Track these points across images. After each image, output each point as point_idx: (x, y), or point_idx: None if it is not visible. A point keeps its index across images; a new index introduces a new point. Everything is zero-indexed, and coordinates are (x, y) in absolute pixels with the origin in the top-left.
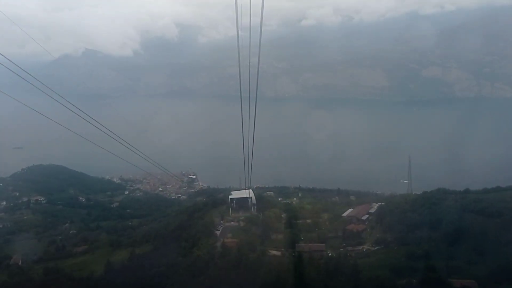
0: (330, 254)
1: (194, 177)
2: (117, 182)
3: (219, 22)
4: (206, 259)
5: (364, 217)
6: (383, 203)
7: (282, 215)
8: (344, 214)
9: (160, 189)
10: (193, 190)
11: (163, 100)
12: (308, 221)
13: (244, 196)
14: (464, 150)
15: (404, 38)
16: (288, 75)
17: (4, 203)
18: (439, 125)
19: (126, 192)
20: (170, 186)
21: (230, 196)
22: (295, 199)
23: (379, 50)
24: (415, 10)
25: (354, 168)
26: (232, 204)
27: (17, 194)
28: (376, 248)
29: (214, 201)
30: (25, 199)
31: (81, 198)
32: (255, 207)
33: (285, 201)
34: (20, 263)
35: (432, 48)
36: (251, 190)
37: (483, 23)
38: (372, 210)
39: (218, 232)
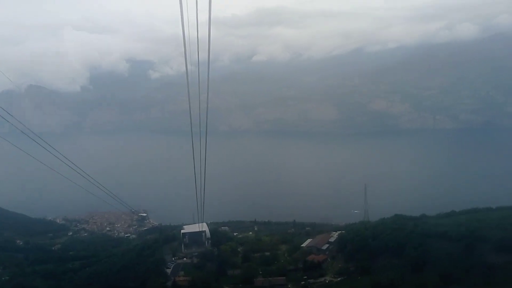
0: None
1: (144, 215)
2: (60, 222)
3: (172, 57)
4: None
5: (325, 247)
6: (343, 232)
7: (239, 249)
8: (304, 245)
9: (107, 228)
10: (143, 229)
11: (112, 136)
12: (267, 253)
13: (197, 230)
14: (413, 178)
15: (351, 73)
16: (241, 110)
17: None
18: (387, 156)
19: (70, 233)
20: (118, 225)
21: (182, 231)
22: (250, 232)
23: (327, 85)
24: (360, 47)
25: (308, 200)
26: (185, 240)
27: None
28: (339, 279)
29: (165, 237)
30: None
31: (18, 241)
32: (210, 241)
33: (241, 235)
34: None
35: (377, 83)
36: (204, 223)
37: (423, 59)
38: (332, 239)
39: (169, 270)
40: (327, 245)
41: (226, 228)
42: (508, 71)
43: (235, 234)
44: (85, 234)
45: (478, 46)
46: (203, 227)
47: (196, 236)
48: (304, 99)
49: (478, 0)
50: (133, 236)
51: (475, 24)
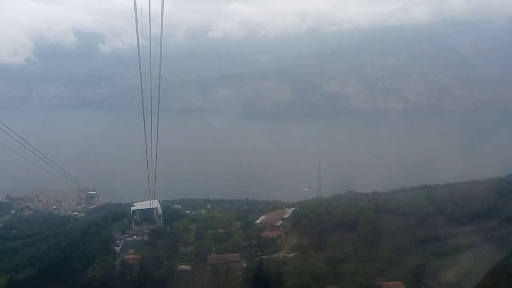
0: (245, 264)
1: (93, 192)
2: (2, 201)
3: (123, 31)
4: (102, 280)
5: (279, 223)
6: (297, 208)
7: (192, 226)
8: (258, 221)
9: (54, 207)
10: (92, 207)
11: (60, 112)
12: (220, 230)
13: (149, 207)
14: (364, 157)
15: (306, 53)
16: (195, 87)
17: None
18: (339, 136)
19: (13, 212)
20: (65, 203)
21: (133, 208)
22: (203, 210)
23: (283, 64)
24: (316, 27)
25: (261, 178)
26: (135, 217)
27: None
28: (293, 254)
29: (114, 215)
30: None
31: None
32: (161, 219)
33: (193, 213)
34: None
35: (332, 63)
36: (156, 200)
37: (377, 41)
38: (286, 216)
39: (118, 249)
40: (281, 221)
41: (179, 206)
42: (456, 54)
43: (187, 212)
44: (30, 212)
45: (429, 29)
46: (155, 204)
47: (147, 213)
48: (260, 78)
49: None
50: (81, 214)
51: (428, 7)
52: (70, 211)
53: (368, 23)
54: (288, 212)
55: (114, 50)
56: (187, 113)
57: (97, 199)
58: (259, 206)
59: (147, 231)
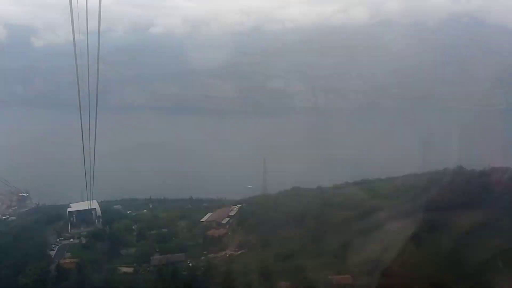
0: (191, 264)
1: (26, 194)
2: None
3: (59, 24)
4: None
5: (225, 221)
6: (243, 205)
7: (133, 227)
8: (203, 220)
9: None
10: (24, 210)
11: None
12: (164, 230)
13: (87, 208)
14: (308, 152)
15: (250, 51)
16: (136, 84)
17: None
18: (279, 132)
19: None
20: None
21: (69, 209)
22: (145, 210)
23: (227, 61)
24: (259, 26)
25: (205, 176)
26: (72, 219)
27: None
28: (240, 252)
29: (49, 217)
30: None
31: None
32: (101, 220)
33: (135, 213)
34: None
35: (276, 61)
36: (95, 201)
37: (318, 40)
38: (232, 213)
39: (53, 253)
40: (228, 219)
41: (119, 206)
42: (393, 55)
43: (128, 212)
44: None
45: (368, 30)
46: (93, 204)
47: (84, 214)
48: (204, 75)
49: None
50: (12, 217)
51: (367, 8)
52: (0, 215)
53: (310, 23)
54: (234, 209)
55: (48, 44)
56: (128, 111)
57: (30, 201)
58: (204, 204)
59: (85, 233)
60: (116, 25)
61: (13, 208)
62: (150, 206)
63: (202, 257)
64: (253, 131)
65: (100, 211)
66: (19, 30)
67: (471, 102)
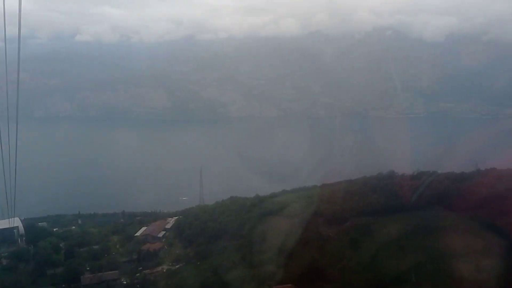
0: (125, 282)
1: None
2: None
3: None
4: None
5: (161, 234)
6: (180, 217)
7: (61, 245)
8: (138, 234)
9: None
10: None
11: None
12: (95, 247)
13: (7, 226)
14: (243, 162)
15: (183, 60)
16: (62, 93)
17: None
18: (214, 141)
19: None
20: None
21: None
22: (74, 227)
23: (159, 70)
24: (192, 35)
25: (137, 189)
26: None
27: None
28: (177, 266)
29: None
30: None
31: None
32: (24, 239)
33: (62, 230)
34: None
35: (209, 70)
36: (17, 218)
37: (251, 50)
38: (168, 226)
39: None
40: (164, 232)
41: (44, 223)
42: (323, 65)
43: (55, 229)
44: None
45: (299, 41)
46: (15, 222)
47: (5, 234)
48: (135, 84)
49: None
50: None
51: (297, 20)
52: None
53: (243, 33)
54: (171, 222)
55: None
56: (53, 121)
57: None
58: (137, 218)
59: (6, 254)
60: (40, 32)
61: None
62: (79, 222)
63: (137, 274)
64: (187, 141)
65: (23, 229)
66: None
67: (395, 111)
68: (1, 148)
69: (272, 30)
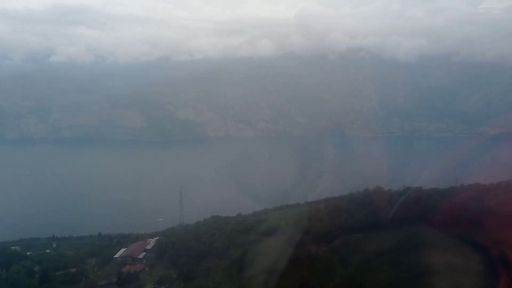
0: None
1: None
2: None
3: None
4: None
5: (141, 255)
6: (161, 237)
7: (35, 269)
8: (117, 255)
9: None
10: None
11: None
12: (72, 270)
13: None
14: (221, 181)
15: (158, 81)
16: (35, 115)
17: None
18: (191, 162)
19: None
20: None
21: None
22: (48, 250)
23: (135, 91)
24: (168, 56)
25: (113, 211)
26: None
27: None
28: None
29: None
30: None
31: None
32: None
33: (36, 253)
34: None
35: (185, 91)
36: None
37: (227, 71)
38: (149, 246)
39: None
40: (144, 253)
41: (17, 247)
42: (298, 86)
43: (28, 253)
44: None
45: (274, 62)
46: None
47: None
48: (110, 105)
49: (275, 19)
50: None
51: (272, 41)
52: None
53: (218, 54)
54: (151, 242)
55: None
56: (25, 143)
57: None
58: (114, 240)
59: None
60: (13, 53)
61: None
62: (54, 245)
63: None
64: (163, 161)
65: None
66: None
67: (371, 130)
68: None
69: (247, 51)
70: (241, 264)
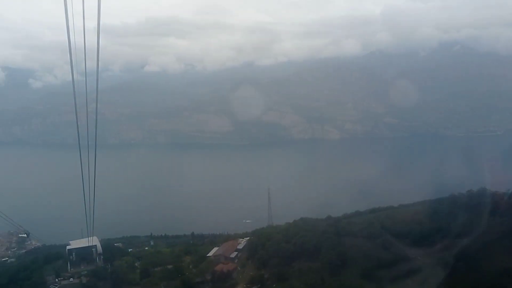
0: None
1: (25, 235)
2: None
3: (56, 66)
4: None
5: (233, 255)
6: (251, 238)
7: (136, 264)
8: (210, 254)
9: None
10: (23, 251)
11: None
12: (169, 267)
13: (87, 245)
14: (309, 184)
15: (244, 86)
16: (132, 121)
17: None
18: (280, 165)
19: None
20: None
21: (68, 247)
22: (146, 248)
23: (221, 97)
24: (252, 61)
25: (205, 212)
26: (71, 257)
27: None
28: None
29: (47, 256)
30: None
31: None
32: (101, 257)
33: (136, 250)
34: None
35: (269, 94)
36: (95, 237)
37: (311, 73)
38: (240, 246)
39: None
40: (236, 253)
41: (120, 244)
42: (385, 84)
43: (129, 250)
44: None
45: (360, 61)
46: (94, 241)
47: (85, 252)
48: (199, 111)
49: (360, 18)
50: (12, 259)
51: (358, 40)
52: None
53: (303, 56)
54: (242, 242)
55: (46, 85)
56: (125, 148)
57: (29, 242)
58: (206, 239)
59: (85, 272)
60: (112, 65)
61: (12, 250)
62: (152, 243)
63: None
64: (250, 164)
65: (101, 249)
66: (18, 72)
67: (468, 129)
68: (82, 174)
69: (332, 52)
70: (335, 267)
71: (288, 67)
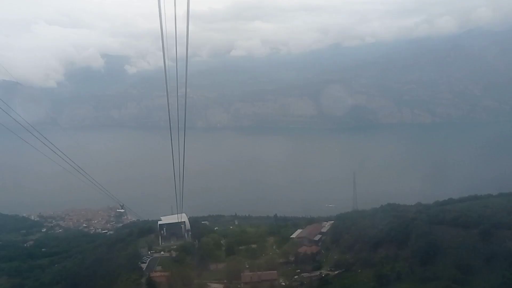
0: (283, 283)
1: (122, 210)
2: (34, 219)
3: (149, 52)
4: None
5: (317, 238)
6: (336, 222)
7: (222, 241)
8: (293, 236)
9: (84, 225)
10: (120, 224)
11: (88, 132)
12: (253, 246)
13: (176, 221)
14: (396, 169)
15: (329, 68)
16: (219, 105)
17: None
18: (366, 150)
19: (44, 230)
20: (95, 221)
21: (160, 222)
22: (231, 227)
23: (306, 80)
24: (338, 42)
25: (287, 194)
26: (162, 232)
27: None
28: (336, 272)
29: (141, 230)
30: None
31: None
32: (190, 234)
33: (222, 228)
34: None
35: (356, 77)
36: (184, 214)
37: (401, 54)
38: (324, 230)
39: (144, 265)
40: (320, 235)
41: (206, 222)
42: (485, 65)
43: (215, 228)
44: (60, 230)
45: (456, 40)
46: (183, 217)
47: (174, 228)
48: (283, 94)
49: None
50: (110, 232)
51: (454, 18)
52: (100, 229)
53: (392, 36)
54: (326, 226)
55: (140, 71)
56: (211, 131)
57: (125, 217)
58: (289, 221)
59: (175, 246)
60: (200, 50)
61: (111, 223)
62: (236, 222)
63: (296, 276)
64: (334, 148)
65: (189, 225)
66: (115, 59)
67: None
68: (173, 155)
69: (425, 31)
70: (425, 256)
71: (376, 48)
